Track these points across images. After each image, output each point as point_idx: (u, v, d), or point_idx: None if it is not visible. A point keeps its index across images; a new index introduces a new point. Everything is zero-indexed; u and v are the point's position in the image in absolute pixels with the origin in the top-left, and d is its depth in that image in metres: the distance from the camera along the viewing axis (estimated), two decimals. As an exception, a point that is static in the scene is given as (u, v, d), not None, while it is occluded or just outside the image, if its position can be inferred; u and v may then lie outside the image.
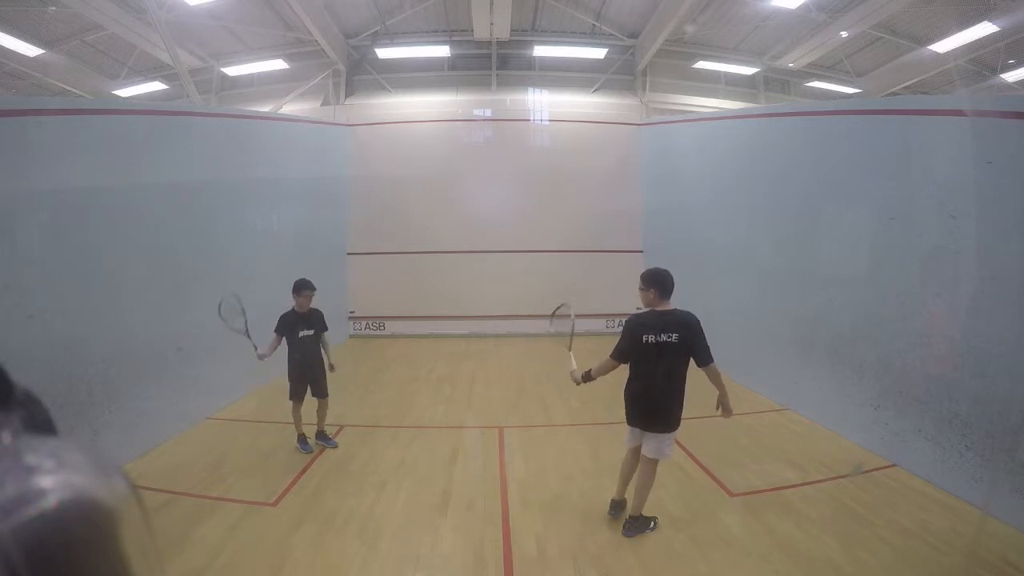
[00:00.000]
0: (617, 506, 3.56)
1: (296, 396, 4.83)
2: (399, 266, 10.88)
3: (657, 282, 3.22)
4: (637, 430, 3.37)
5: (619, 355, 3.27)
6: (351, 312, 10.95)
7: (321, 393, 4.91)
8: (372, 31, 10.84)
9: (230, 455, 4.70)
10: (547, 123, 11.37)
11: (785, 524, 3.44)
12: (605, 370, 3.33)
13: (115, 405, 4.46)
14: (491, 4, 9.16)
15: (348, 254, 10.88)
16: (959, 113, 4.23)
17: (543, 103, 11.48)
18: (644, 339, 3.17)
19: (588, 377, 3.39)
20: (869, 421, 4.66)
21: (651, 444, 3.31)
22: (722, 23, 10.32)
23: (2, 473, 0.41)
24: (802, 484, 4.04)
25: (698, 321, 3.23)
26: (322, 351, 4.96)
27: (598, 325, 10.92)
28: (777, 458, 4.55)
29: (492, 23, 9.94)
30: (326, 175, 10.06)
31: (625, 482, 3.53)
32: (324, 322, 4.99)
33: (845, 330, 5.13)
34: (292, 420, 4.90)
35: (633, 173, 10.95)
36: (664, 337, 3.16)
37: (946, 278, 4.09)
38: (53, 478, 0.41)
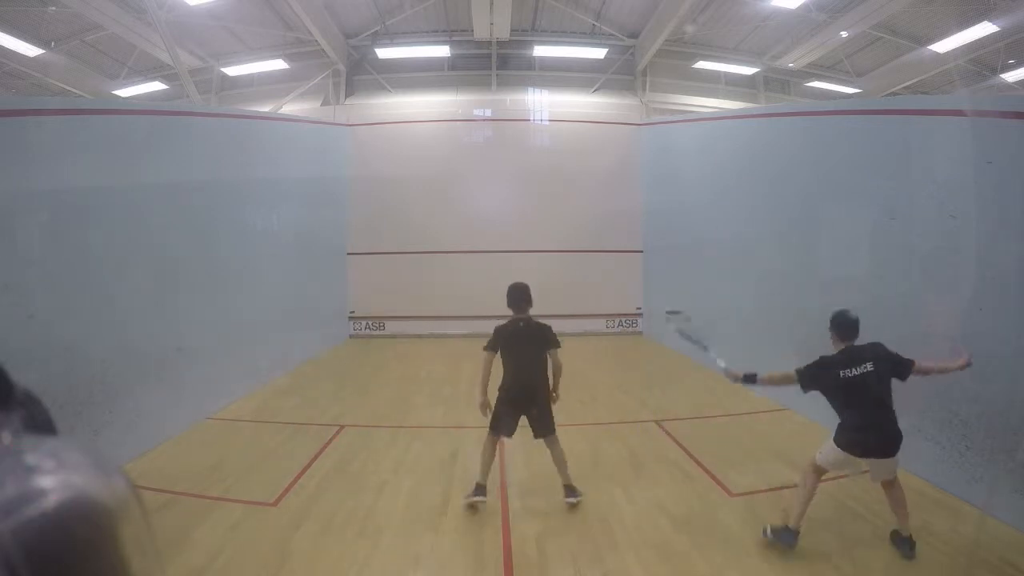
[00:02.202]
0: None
1: (500, 429, 3.75)
2: (399, 266, 10.88)
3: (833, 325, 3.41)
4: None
5: None
6: (351, 312, 10.96)
7: (546, 429, 3.81)
8: (372, 31, 10.85)
9: (230, 455, 4.69)
10: (547, 123, 11.39)
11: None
12: None
13: (115, 405, 4.46)
14: (491, 4, 9.17)
15: (348, 254, 10.88)
16: (959, 113, 4.23)
17: (543, 103, 11.49)
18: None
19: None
20: (869, 421, 4.66)
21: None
22: (722, 23, 10.33)
23: (2, 473, 0.41)
24: (802, 484, 4.03)
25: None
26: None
27: (598, 325, 10.94)
28: (777, 458, 4.54)
29: (492, 23, 9.95)
30: (326, 175, 10.08)
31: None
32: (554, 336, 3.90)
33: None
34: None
35: (633, 173, 10.95)
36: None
37: (946, 278, 4.09)
38: (53, 478, 0.41)
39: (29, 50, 9.50)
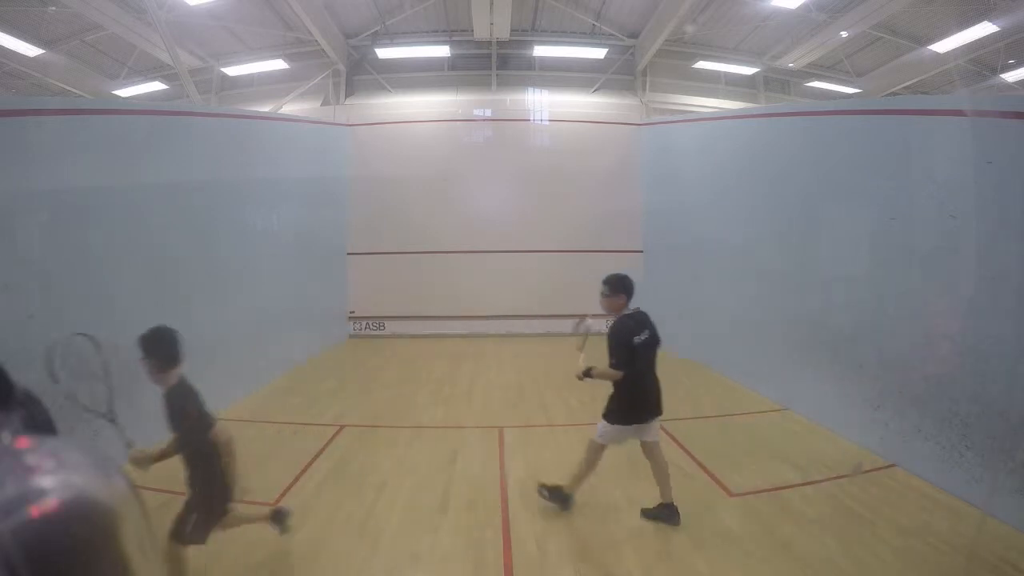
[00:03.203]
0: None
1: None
2: (399, 266, 10.87)
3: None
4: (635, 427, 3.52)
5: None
6: (351, 312, 10.95)
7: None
8: (372, 31, 10.84)
9: (230, 455, 4.68)
10: (547, 123, 11.37)
11: (785, 524, 3.44)
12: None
13: (115, 405, 4.45)
14: (491, 4, 9.16)
15: (348, 254, 10.88)
16: (959, 113, 4.23)
17: (543, 103, 11.47)
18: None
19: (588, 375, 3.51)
20: (869, 421, 4.66)
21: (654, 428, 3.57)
22: (722, 23, 10.32)
23: (2, 473, 0.41)
24: (802, 484, 4.04)
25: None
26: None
27: (598, 325, 10.92)
28: (777, 458, 4.55)
29: (492, 23, 9.94)
30: (326, 175, 10.07)
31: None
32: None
33: (845, 330, 5.13)
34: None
35: (633, 173, 10.94)
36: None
37: (946, 278, 4.09)
38: (53, 478, 0.41)
39: (29, 50, 9.49)
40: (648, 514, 3.56)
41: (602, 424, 3.53)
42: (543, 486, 3.71)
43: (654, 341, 3.45)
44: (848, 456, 4.51)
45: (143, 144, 5.35)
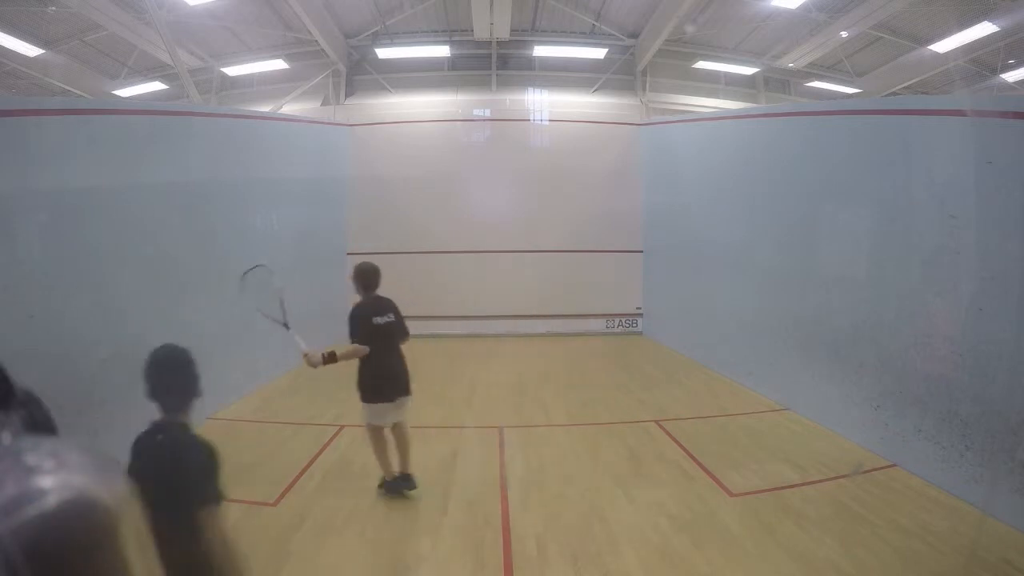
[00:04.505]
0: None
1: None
2: (399, 266, 10.80)
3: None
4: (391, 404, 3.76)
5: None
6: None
7: None
8: (372, 31, 10.84)
9: (230, 455, 4.67)
10: (547, 123, 11.37)
11: (785, 524, 3.44)
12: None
13: (115, 405, 4.45)
14: (491, 4, 9.16)
15: (348, 254, 10.87)
16: (959, 113, 4.23)
17: (543, 103, 11.48)
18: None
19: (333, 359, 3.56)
20: (869, 421, 4.66)
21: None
22: (722, 23, 10.32)
23: (2, 473, 0.41)
24: (802, 484, 4.04)
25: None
26: None
27: (598, 325, 10.93)
28: (777, 458, 4.55)
29: (492, 23, 9.94)
30: (326, 175, 10.06)
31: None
32: None
33: (845, 330, 5.13)
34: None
35: (633, 173, 10.94)
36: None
37: (946, 278, 4.09)
38: (53, 478, 0.41)
39: (29, 50, 9.49)
40: (387, 486, 3.85)
41: (362, 408, 3.75)
42: (378, 486, 3.91)
43: (396, 326, 3.77)
44: (848, 456, 4.52)
45: (143, 144, 5.35)
